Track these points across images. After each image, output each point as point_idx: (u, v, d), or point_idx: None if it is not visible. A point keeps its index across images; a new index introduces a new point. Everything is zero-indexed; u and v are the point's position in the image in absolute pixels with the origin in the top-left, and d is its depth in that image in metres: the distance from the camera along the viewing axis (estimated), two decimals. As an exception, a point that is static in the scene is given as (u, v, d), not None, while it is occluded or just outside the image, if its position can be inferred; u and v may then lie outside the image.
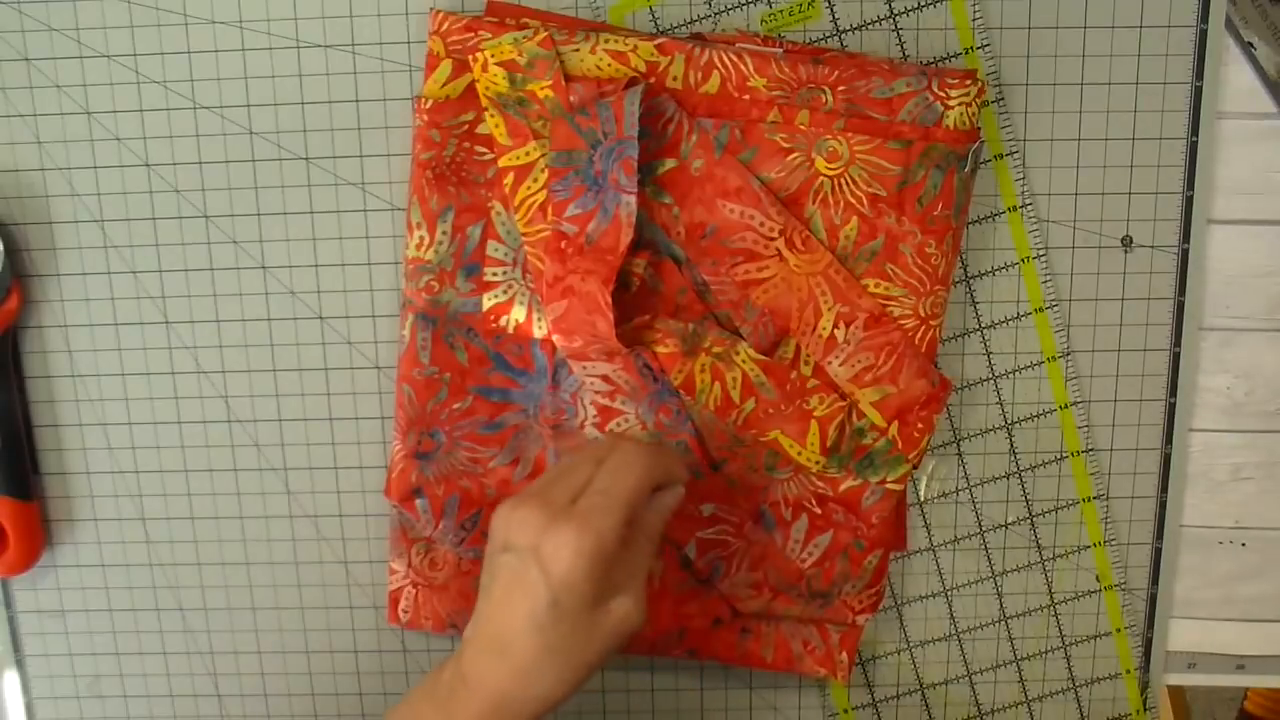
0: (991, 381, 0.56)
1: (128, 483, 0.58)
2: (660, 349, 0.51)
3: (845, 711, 0.60)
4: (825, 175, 0.51)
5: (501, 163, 0.51)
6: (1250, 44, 0.52)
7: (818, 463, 0.52)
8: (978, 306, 0.55)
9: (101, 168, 0.54)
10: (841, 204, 0.51)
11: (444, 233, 0.52)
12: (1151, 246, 0.55)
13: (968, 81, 0.50)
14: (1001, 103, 0.53)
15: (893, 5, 0.52)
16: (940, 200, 0.51)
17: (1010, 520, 0.57)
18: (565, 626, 0.45)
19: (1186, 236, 0.55)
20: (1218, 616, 0.60)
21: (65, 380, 0.57)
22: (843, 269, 0.52)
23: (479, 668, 0.45)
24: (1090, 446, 0.56)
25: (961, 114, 0.50)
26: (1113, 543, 0.58)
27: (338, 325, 0.56)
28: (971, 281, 0.55)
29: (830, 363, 0.52)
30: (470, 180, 0.52)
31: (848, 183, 0.51)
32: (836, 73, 0.50)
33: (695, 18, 0.52)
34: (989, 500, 0.57)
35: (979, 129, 0.51)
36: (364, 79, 0.53)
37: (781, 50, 0.51)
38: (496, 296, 0.53)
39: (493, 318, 0.53)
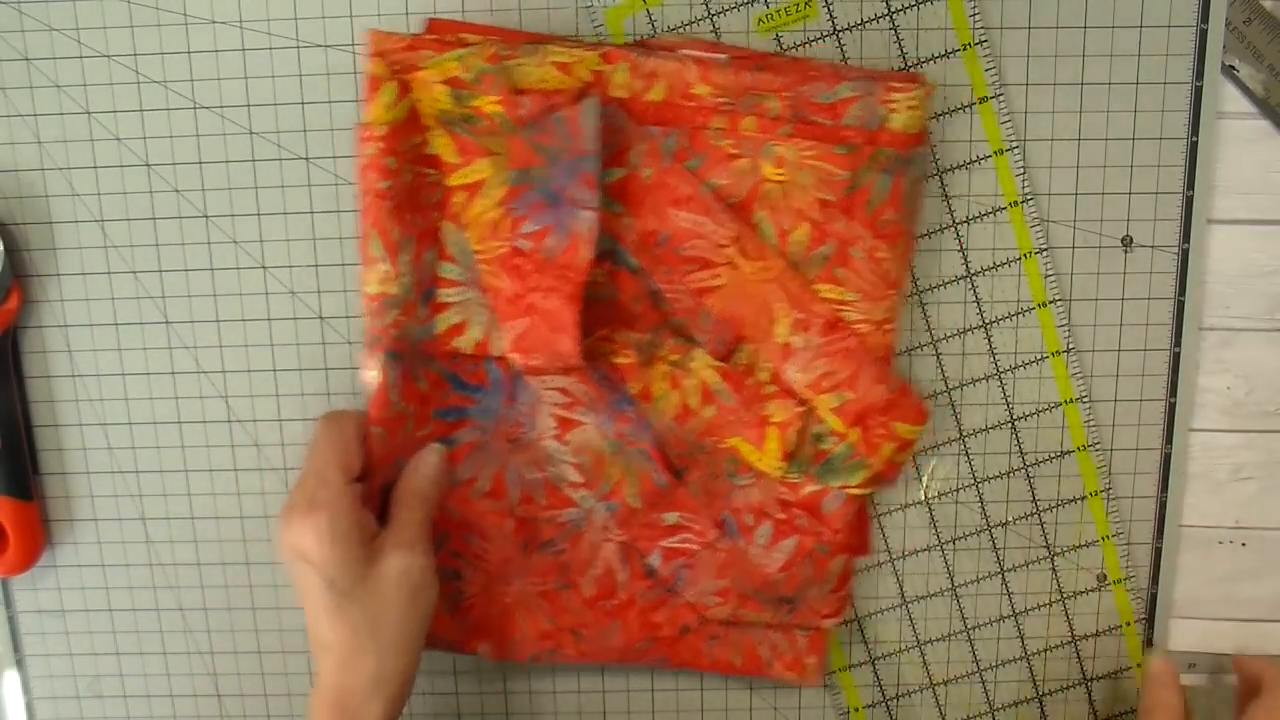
0: (995, 378, 0.56)
1: (128, 483, 0.58)
2: (618, 360, 0.51)
3: (856, 710, 0.60)
4: (773, 181, 0.51)
5: (451, 181, 0.50)
6: (1232, 67, 0.53)
7: (778, 468, 0.52)
8: (980, 303, 0.55)
9: (101, 168, 0.54)
10: (790, 210, 0.51)
11: (406, 263, 0.50)
12: (1151, 246, 0.55)
13: (913, 85, 0.49)
14: (1001, 99, 0.53)
15: (890, 4, 0.52)
16: (890, 205, 0.50)
17: (1015, 517, 0.57)
18: (353, 600, 0.48)
19: (1186, 236, 0.55)
20: (1218, 616, 0.60)
21: (65, 380, 0.57)
22: (796, 275, 0.51)
23: (319, 672, 0.49)
24: (1095, 442, 0.56)
25: (907, 117, 0.49)
26: (1116, 539, 0.58)
27: (338, 325, 0.56)
28: (974, 279, 0.55)
29: (787, 369, 0.52)
30: (425, 204, 0.51)
31: (796, 188, 0.51)
32: (780, 78, 0.50)
33: (694, 18, 0.52)
34: (994, 499, 0.57)
35: (928, 132, 0.50)
36: (364, 79, 0.53)
37: (726, 56, 0.50)
38: (450, 318, 0.52)
39: (446, 340, 0.52)
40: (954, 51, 0.52)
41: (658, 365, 0.51)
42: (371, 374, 0.51)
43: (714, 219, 0.51)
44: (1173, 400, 0.56)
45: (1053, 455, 0.57)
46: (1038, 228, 0.54)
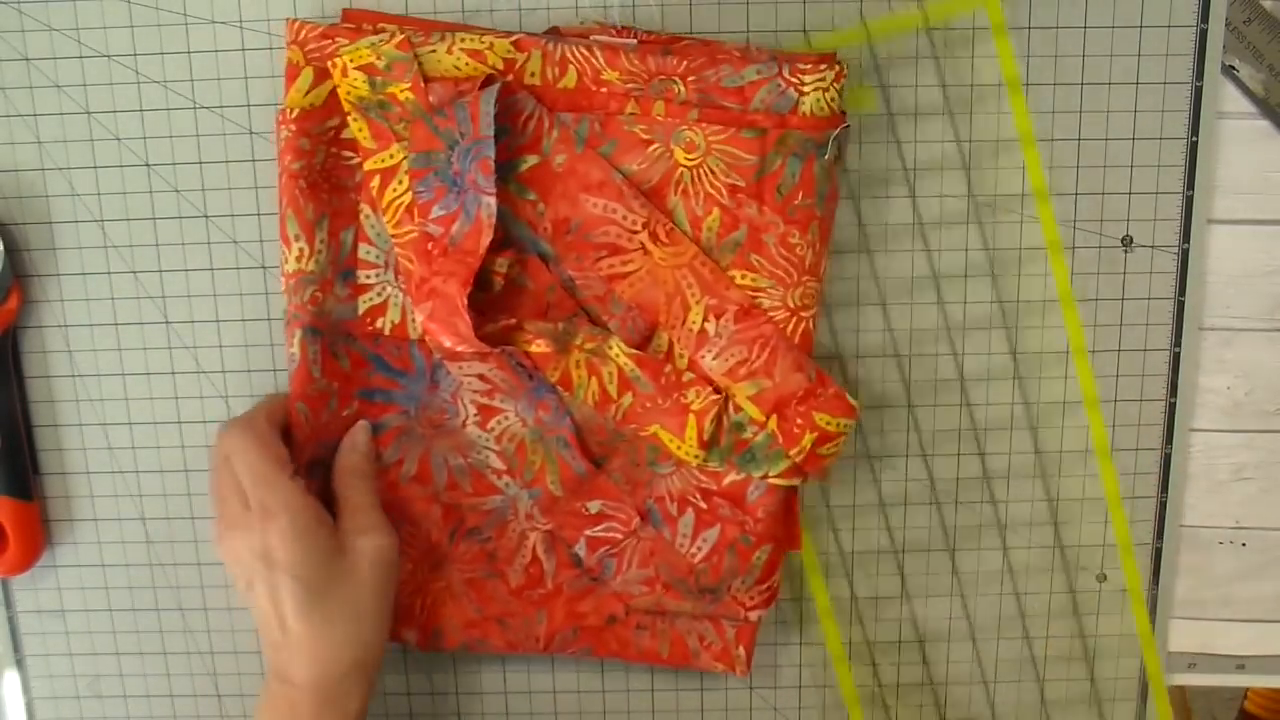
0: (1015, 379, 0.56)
1: (128, 483, 0.58)
2: (532, 349, 0.51)
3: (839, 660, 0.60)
4: (685, 166, 0.51)
5: (367, 166, 0.51)
6: (1232, 67, 0.53)
7: (696, 456, 0.52)
8: (1015, 352, 0.55)
9: (101, 168, 0.54)
10: (702, 195, 0.51)
11: (322, 241, 0.51)
12: (1151, 246, 0.55)
13: (822, 67, 0.49)
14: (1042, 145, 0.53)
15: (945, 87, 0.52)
16: (800, 189, 0.50)
17: (1031, 520, 0.58)
18: (328, 594, 0.48)
19: (1186, 236, 0.55)
20: (1218, 616, 0.60)
21: (65, 380, 0.57)
22: (709, 261, 0.51)
23: (286, 672, 0.48)
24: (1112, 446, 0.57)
25: (818, 100, 0.49)
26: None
27: (338, 325, 0.56)
28: (1007, 320, 0.55)
29: (703, 356, 0.52)
30: (340, 186, 0.52)
31: (706, 173, 0.51)
32: (685, 63, 0.50)
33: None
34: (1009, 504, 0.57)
35: (842, 114, 0.50)
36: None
37: (635, 41, 0.51)
38: (371, 299, 0.53)
39: (369, 321, 0.53)
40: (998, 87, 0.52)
41: (573, 353, 0.51)
42: (292, 351, 0.52)
43: (625, 205, 0.51)
44: (1173, 400, 0.56)
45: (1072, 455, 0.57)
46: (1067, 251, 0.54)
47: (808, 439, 0.52)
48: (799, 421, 0.52)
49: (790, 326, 0.51)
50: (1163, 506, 0.58)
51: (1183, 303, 0.55)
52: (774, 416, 0.52)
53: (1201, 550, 0.59)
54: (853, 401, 0.52)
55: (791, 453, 0.52)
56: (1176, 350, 0.56)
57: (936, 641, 0.59)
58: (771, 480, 0.53)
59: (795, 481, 0.53)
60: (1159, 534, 0.58)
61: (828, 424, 0.52)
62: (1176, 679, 0.60)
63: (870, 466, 0.57)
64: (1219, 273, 0.55)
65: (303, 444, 0.52)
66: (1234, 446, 0.57)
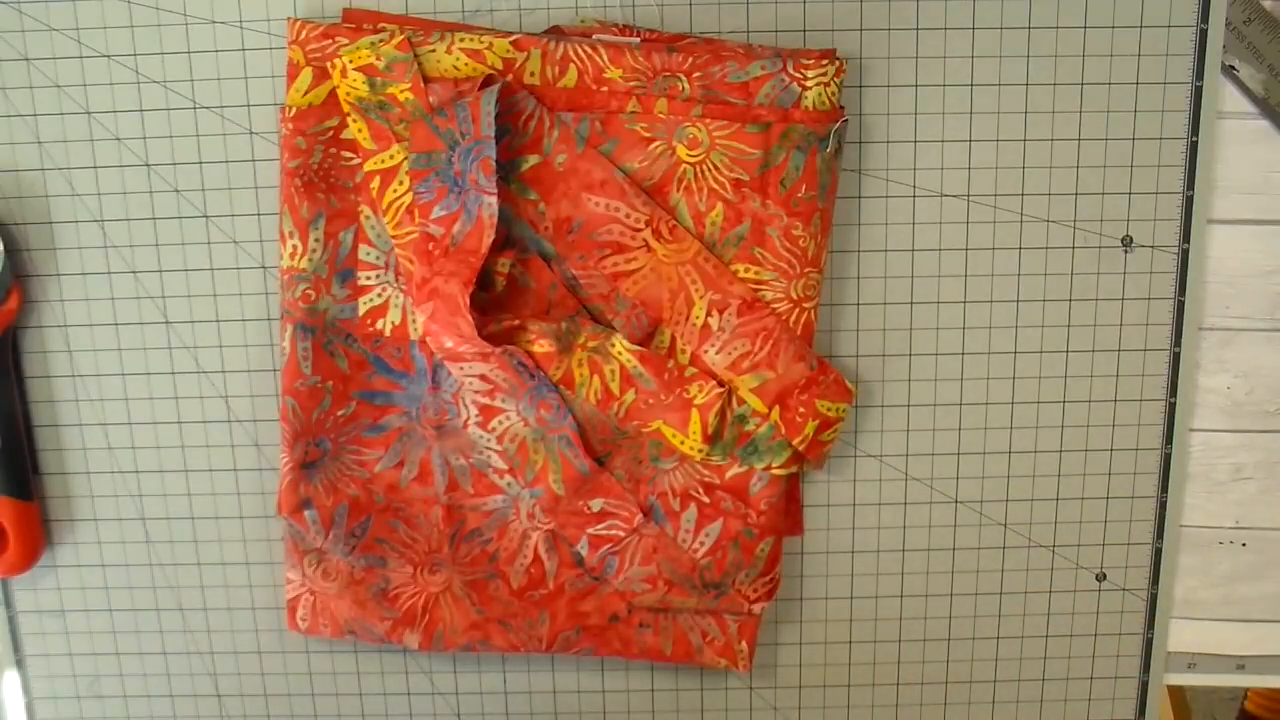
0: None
1: (128, 483, 0.58)
2: (535, 349, 0.51)
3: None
4: (687, 162, 0.51)
5: (367, 167, 0.51)
6: (1232, 67, 0.53)
7: (700, 451, 0.53)
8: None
9: (101, 168, 0.54)
10: (705, 190, 0.51)
11: (316, 240, 0.52)
12: (1151, 246, 0.55)
13: (824, 61, 0.50)
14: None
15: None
16: (803, 182, 0.51)
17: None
18: None
19: (1186, 236, 0.55)
20: (1218, 616, 0.60)
21: (65, 380, 0.57)
22: (712, 256, 0.52)
23: None
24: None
25: (820, 94, 0.50)
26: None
27: (338, 325, 0.56)
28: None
29: (706, 351, 0.52)
30: (339, 186, 0.52)
31: (710, 169, 0.51)
32: (690, 59, 0.50)
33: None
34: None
35: (841, 108, 0.51)
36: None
37: (638, 40, 0.51)
38: (372, 300, 0.53)
39: (370, 322, 0.53)
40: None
41: (576, 352, 0.52)
42: (283, 345, 0.52)
43: (628, 203, 0.51)
44: (1173, 400, 0.56)
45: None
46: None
47: (810, 427, 0.52)
48: (801, 410, 0.52)
49: (793, 318, 0.52)
50: (1163, 506, 0.58)
51: (1183, 303, 0.55)
52: (776, 408, 0.52)
53: (1201, 550, 0.59)
54: (850, 385, 0.53)
55: (795, 441, 0.52)
56: (1176, 350, 0.56)
57: (936, 641, 0.59)
58: (774, 471, 0.53)
59: (795, 469, 0.53)
60: (1159, 534, 0.58)
61: (829, 410, 0.52)
62: (1176, 679, 0.60)
63: (870, 466, 0.57)
64: (1219, 273, 0.55)
65: (293, 439, 0.53)
66: (1234, 446, 0.57)
